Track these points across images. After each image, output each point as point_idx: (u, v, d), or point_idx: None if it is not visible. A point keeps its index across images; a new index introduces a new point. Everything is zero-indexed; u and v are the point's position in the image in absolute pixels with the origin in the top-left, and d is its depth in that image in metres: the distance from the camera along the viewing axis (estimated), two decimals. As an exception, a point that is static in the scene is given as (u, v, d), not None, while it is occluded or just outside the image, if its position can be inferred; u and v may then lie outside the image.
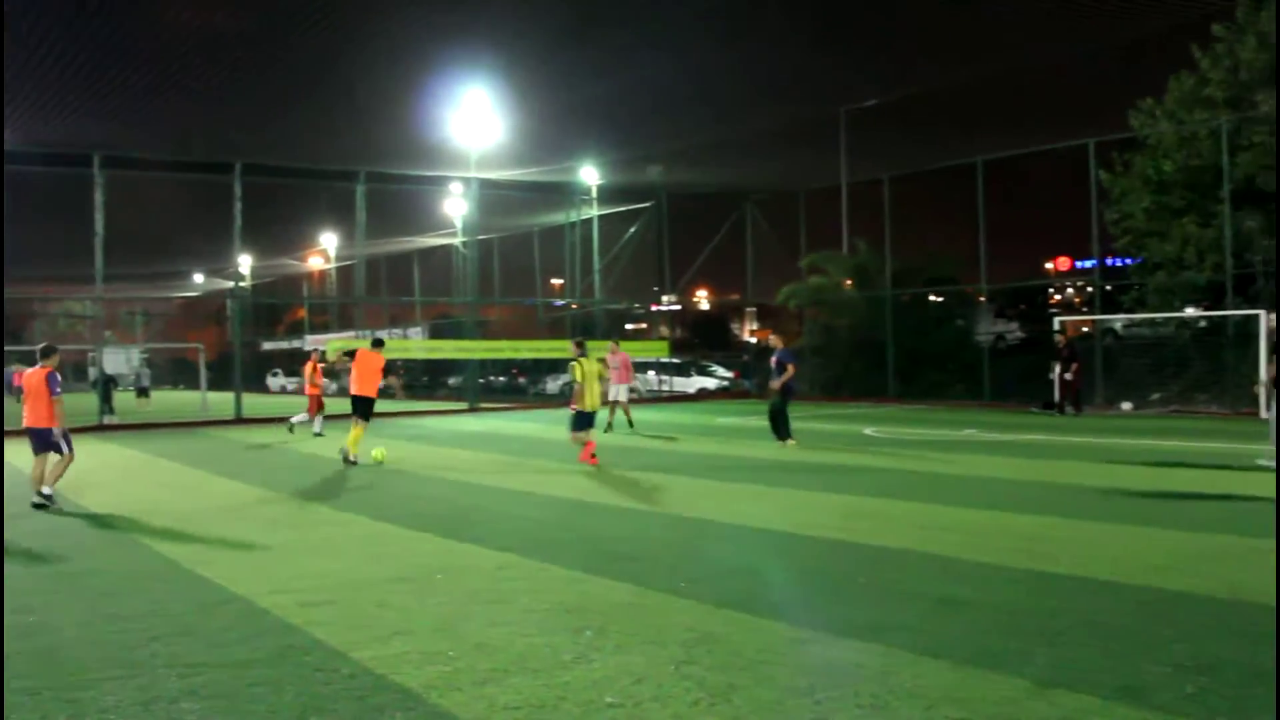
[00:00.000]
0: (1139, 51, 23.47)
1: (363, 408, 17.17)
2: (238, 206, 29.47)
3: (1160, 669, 5.29)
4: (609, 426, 21.89)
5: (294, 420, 23.48)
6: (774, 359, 19.16)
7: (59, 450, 12.29)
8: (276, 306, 68.32)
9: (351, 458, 16.43)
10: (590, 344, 17.85)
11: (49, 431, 12.15)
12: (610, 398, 21.90)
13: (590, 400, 16.03)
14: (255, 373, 54.16)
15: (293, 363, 58.39)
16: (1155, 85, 26.14)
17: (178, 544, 9.58)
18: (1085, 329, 29.99)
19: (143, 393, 40.17)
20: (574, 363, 16.10)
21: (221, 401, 31.60)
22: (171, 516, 11.32)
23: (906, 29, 22.23)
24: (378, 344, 18.00)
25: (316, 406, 23.25)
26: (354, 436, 16.70)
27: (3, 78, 19.88)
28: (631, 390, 24.94)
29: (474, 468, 16.04)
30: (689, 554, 8.69)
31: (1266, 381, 14.26)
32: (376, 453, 16.72)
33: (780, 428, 18.68)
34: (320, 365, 23.57)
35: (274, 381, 58.21)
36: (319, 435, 22.30)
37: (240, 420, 28.44)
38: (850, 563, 8.17)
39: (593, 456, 15.93)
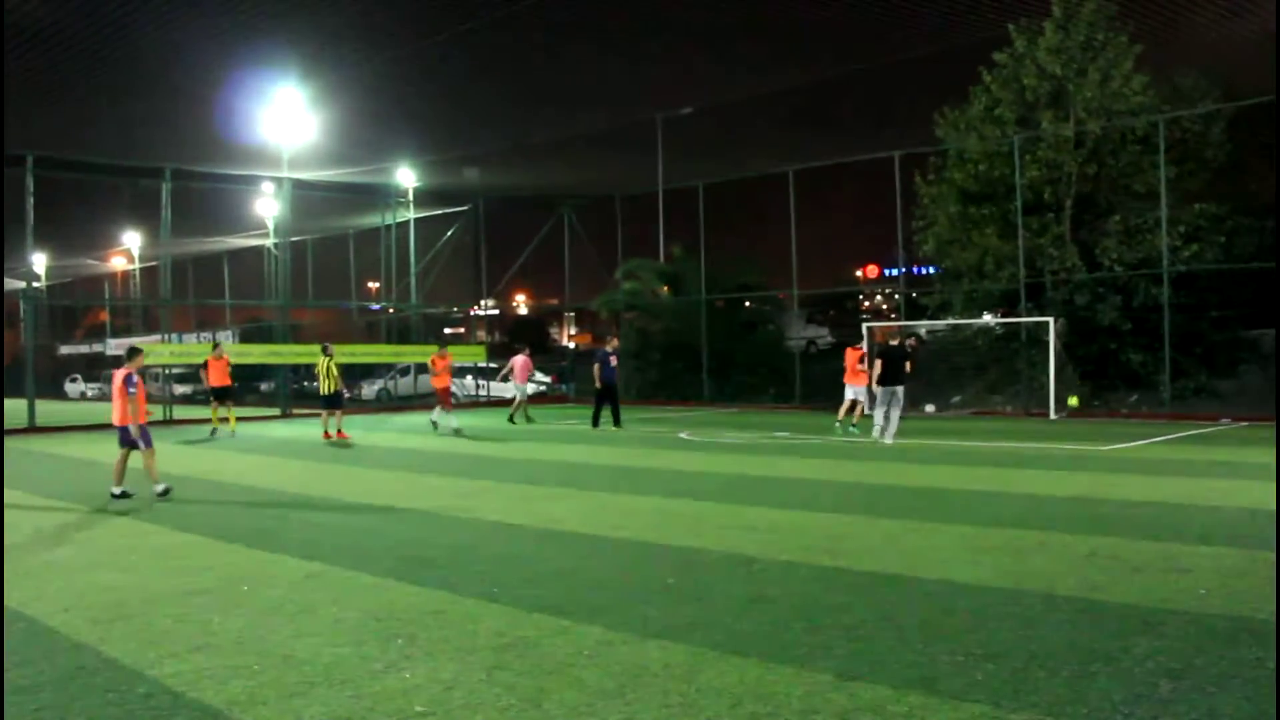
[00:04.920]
0: (944, 63, 24.49)
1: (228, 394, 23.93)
2: (30, 201, 27.94)
3: (951, 658, 5.57)
4: (526, 418, 26.10)
5: (433, 418, 23.93)
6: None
7: (135, 445, 12.99)
8: (75, 309, 65.03)
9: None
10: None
11: (125, 429, 13.01)
12: (515, 396, 27.05)
13: (325, 387, 22.63)
14: (51, 379, 51.37)
15: (93, 368, 55.69)
16: (961, 94, 27.34)
17: (-41, 561, 9.04)
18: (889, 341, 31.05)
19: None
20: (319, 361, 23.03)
21: (13, 410, 29.88)
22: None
23: (720, 38, 22.74)
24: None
25: (446, 399, 23.67)
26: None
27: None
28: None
29: (282, 475, 15.67)
30: (500, 559, 8.68)
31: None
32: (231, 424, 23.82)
33: (596, 415, 23.37)
34: (441, 359, 23.70)
35: (73, 388, 55.28)
36: (456, 431, 23.08)
37: (34, 429, 26.95)
38: (660, 564, 8.30)
39: (339, 433, 22.28)
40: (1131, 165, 25.25)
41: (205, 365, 25.36)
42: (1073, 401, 24.02)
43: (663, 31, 22.09)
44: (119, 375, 13.16)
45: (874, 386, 18.96)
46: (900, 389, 18.46)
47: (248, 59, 22.13)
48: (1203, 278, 24.49)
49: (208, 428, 24.31)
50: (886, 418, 18.44)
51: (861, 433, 19.72)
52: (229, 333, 45.04)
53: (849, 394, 20.35)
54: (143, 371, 13.63)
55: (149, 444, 13.08)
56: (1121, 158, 25.32)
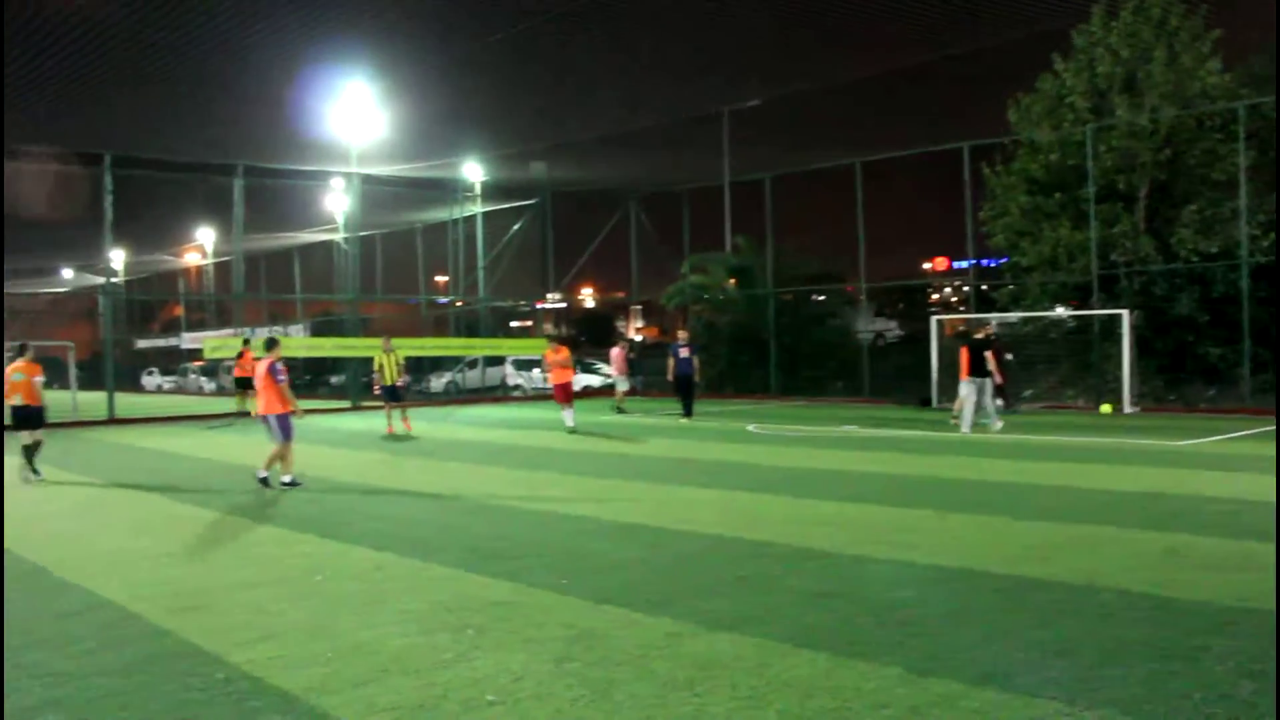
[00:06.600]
0: (1013, 51, 24.15)
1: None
2: (108, 199, 28.57)
3: (1023, 654, 5.50)
4: (618, 409, 26.84)
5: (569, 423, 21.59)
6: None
7: (279, 436, 13.24)
8: (151, 303, 66.38)
9: None
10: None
11: (272, 418, 13.30)
12: (617, 388, 28.21)
13: (387, 378, 21.97)
14: (129, 371, 52.53)
15: (168, 361, 56.87)
16: (1029, 83, 26.87)
17: (42, 549, 9.28)
18: (961, 328, 30.70)
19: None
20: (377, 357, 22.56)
21: (93, 402, 30.62)
22: (34, 520, 10.97)
23: (788, 29, 22.63)
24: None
25: (564, 396, 21.95)
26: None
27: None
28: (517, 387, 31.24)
29: (353, 467, 15.87)
30: (568, 551, 8.72)
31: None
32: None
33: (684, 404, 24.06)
34: (554, 353, 22.31)
35: (149, 380, 56.55)
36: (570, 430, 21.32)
37: (113, 421, 27.60)
38: (728, 557, 8.29)
39: (389, 427, 21.85)
40: (1209, 153, 24.64)
41: (240, 356, 27.53)
42: (1105, 409, 23.47)
43: (730, 23, 22.00)
44: (262, 366, 13.35)
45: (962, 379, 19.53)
46: (987, 381, 19.37)
47: (318, 56, 22.42)
48: (1283, 268, 23.88)
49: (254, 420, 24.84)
50: (974, 408, 19.32)
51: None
52: (300, 326, 45.71)
53: (962, 390, 19.86)
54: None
55: (288, 436, 13.31)
56: (1198, 145, 24.72)
